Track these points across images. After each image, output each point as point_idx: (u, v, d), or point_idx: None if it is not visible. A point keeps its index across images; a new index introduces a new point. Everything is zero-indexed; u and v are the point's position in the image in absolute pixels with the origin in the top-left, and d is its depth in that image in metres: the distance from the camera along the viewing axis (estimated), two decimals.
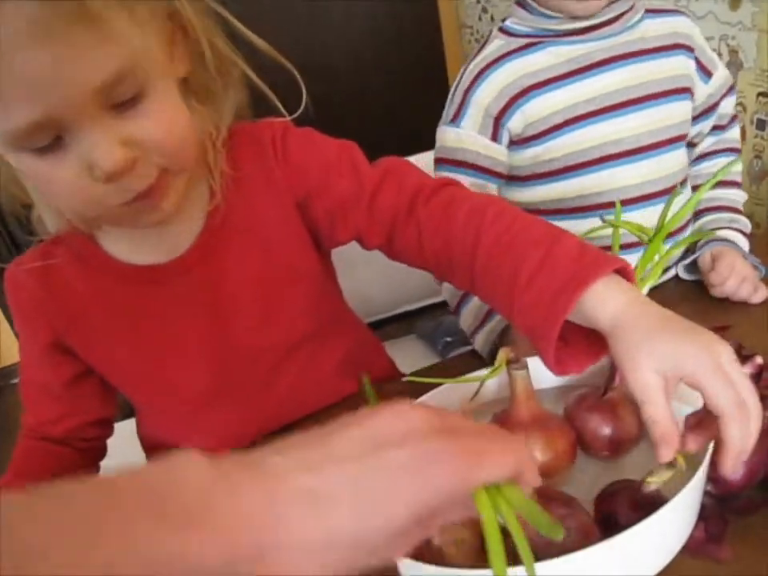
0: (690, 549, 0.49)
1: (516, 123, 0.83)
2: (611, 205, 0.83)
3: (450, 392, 0.64)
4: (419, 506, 0.33)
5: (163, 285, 0.67)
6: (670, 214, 0.81)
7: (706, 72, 0.89)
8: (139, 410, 0.80)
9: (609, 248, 0.82)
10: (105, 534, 0.29)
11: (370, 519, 0.33)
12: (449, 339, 1.07)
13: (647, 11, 0.86)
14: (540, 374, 0.57)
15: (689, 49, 0.87)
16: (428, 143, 0.94)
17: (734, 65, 1.35)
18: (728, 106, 0.93)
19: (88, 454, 0.76)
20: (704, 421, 0.48)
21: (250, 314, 0.69)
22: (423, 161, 0.84)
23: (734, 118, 0.96)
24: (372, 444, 0.34)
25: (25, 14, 0.45)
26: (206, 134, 0.64)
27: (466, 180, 0.85)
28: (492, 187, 0.87)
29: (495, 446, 0.37)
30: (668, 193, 0.85)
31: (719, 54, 1.38)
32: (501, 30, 0.87)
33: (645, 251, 0.63)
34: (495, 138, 0.85)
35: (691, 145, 0.94)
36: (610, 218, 0.69)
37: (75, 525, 0.29)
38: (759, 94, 1.33)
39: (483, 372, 0.63)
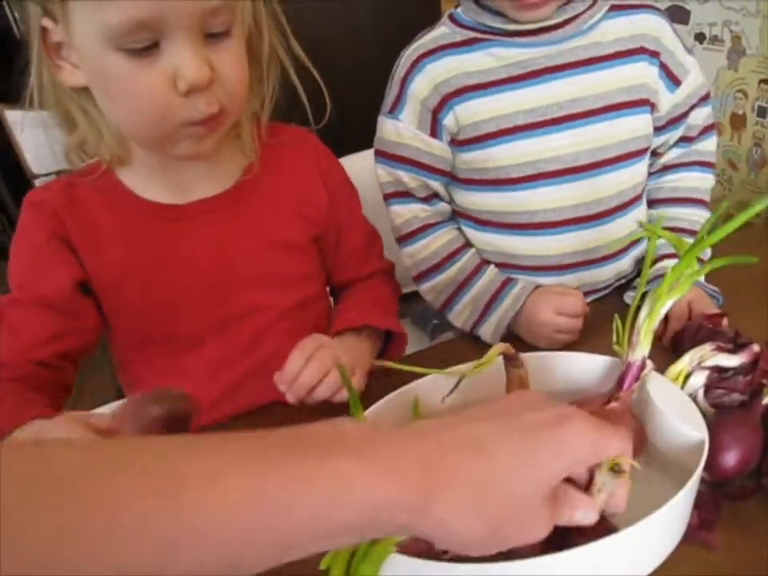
0: (683, 536, 0.50)
1: (450, 122, 0.78)
2: (544, 225, 0.79)
3: (435, 382, 0.62)
4: (562, 465, 0.38)
5: (179, 223, 0.71)
6: (619, 233, 0.81)
7: (673, 79, 0.80)
8: (123, 346, 0.79)
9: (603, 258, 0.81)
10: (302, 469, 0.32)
11: (525, 470, 0.36)
12: (436, 322, 1.07)
13: (613, 7, 0.77)
14: (542, 376, 0.57)
15: (653, 54, 0.78)
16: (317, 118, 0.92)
17: (736, 51, 1.34)
18: (699, 116, 0.84)
19: (57, 387, 0.72)
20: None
21: (251, 272, 0.74)
22: None
23: (707, 129, 0.86)
24: (518, 408, 0.39)
25: None
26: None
27: (407, 176, 0.81)
28: (434, 185, 0.82)
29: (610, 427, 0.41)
30: (609, 214, 0.79)
31: (721, 40, 1.37)
32: (450, 17, 0.80)
33: (676, 264, 0.57)
34: (434, 133, 0.79)
35: (655, 155, 0.86)
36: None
37: (286, 464, 0.32)
38: (761, 81, 1.32)
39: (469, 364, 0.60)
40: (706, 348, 0.61)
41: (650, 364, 0.55)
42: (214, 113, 0.62)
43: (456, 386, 0.58)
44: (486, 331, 0.80)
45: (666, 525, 0.43)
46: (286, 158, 0.76)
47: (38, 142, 1.01)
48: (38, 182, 1.03)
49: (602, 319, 0.66)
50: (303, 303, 0.78)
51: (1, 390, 0.65)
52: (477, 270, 0.82)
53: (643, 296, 0.58)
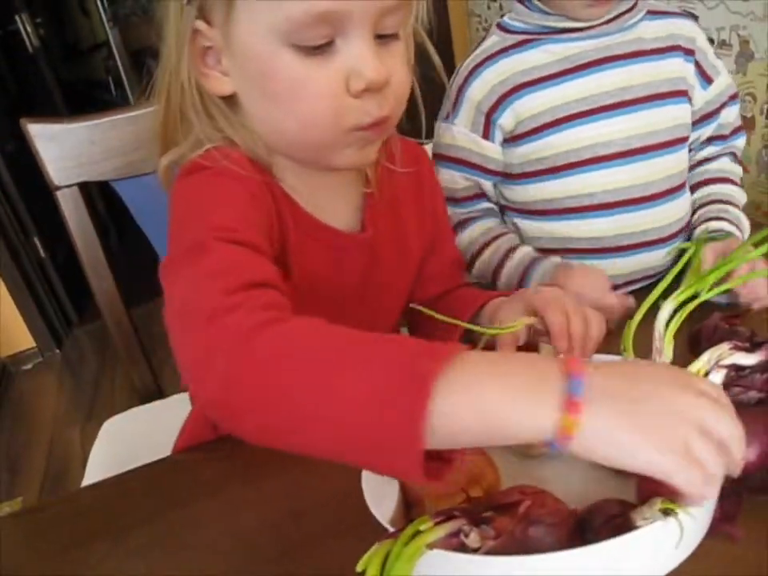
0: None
1: (507, 120, 0.83)
2: (602, 207, 0.83)
3: None
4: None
5: (335, 248, 0.69)
6: (670, 218, 0.82)
7: (705, 78, 0.88)
8: None
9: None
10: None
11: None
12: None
13: (649, 12, 0.85)
14: None
15: (688, 52, 0.86)
16: (428, 131, 0.94)
17: (745, 55, 1.37)
18: (730, 115, 0.92)
19: None
20: None
21: (386, 302, 0.75)
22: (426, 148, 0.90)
23: (739, 128, 0.93)
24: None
25: None
26: None
27: (461, 176, 0.86)
28: (486, 184, 0.88)
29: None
30: (661, 197, 0.84)
31: (729, 45, 1.39)
32: (498, 25, 0.87)
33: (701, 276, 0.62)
34: (487, 135, 0.85)
35: (690, 150, 0.93)
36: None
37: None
38: None
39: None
40: (724, 347, 0.63)
41: None
42: (384, 117, 0.59)
43: (482, 344, 0.62)
44: None
45: (692, 520, 0.45)
46: (405, 177, 0.73)
47: (59, 154, 1.05)
48: (59, 194, 1.06)
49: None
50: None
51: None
52: (509, 251, 0.85)
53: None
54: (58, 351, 2.79)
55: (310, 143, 0.61)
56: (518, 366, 0.42)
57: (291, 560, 0.57)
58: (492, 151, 0.86)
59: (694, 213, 0.90)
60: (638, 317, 0.60)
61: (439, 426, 0.39)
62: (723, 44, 1.42)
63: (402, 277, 0.76)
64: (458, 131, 0.86)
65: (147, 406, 1.19)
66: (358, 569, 0.43)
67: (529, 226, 0.89)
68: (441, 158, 0.89)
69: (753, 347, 0.64)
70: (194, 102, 0.63)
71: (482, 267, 0.87)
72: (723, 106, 0.90)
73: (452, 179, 0.88)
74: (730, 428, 0.42)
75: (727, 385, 0.61)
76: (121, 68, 4.54)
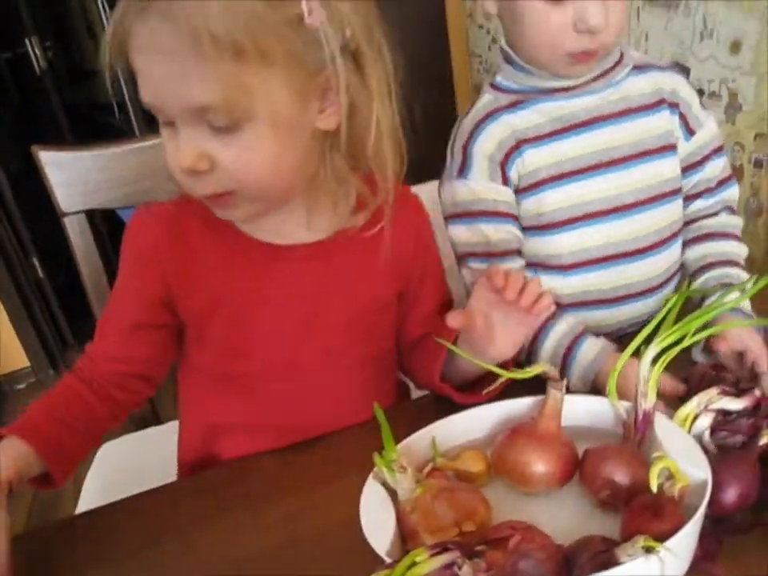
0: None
1: (514, 174, 0.84)
2: (595, 261, 0.84)
3: (451, 425, 0.67)
4: None
5: (276, 263, 0.75)
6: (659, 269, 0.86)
7: (688, 129, 0.88)
8: (190, 372, 0.83)
9: None
10: None
11: None
12: None
13: (635, 67, 0.86)
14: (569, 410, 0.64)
15: (673, 104, 0.87)
16: (429, 172, 0.93)
17: (733, 107, 1.42)
18: (716, 168, 0.91)
19: (117, 407, 0.78)
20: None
21: (335, 320, 0.78)
22: (424, 190, 0.90)
23: (727, 179, 0.93)
24: None
25: (149, 31, 0.59)
26: (338, 177, 0.71)
27: (489, 228, 0.84)
28: (515, 230, 0.86)
29: None
30: (651, 249, 0.86)
31: (719, 96, 1.44)
32: (491, 85, 0.88)
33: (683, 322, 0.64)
34: (505, 182, 0.85)
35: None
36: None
37: None
38: (757, 135, 1.40)
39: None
40: (713, 392, 0.65)
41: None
42: (217, 195, 0.66)
43: (496, 385, 0.67)
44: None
45: (673, 556, 0.47)
46: (390, 217, 0.76)
47: (68, 181, 1.07)
48: (67, 220, 1.09)
49: None
50: (380, 356, 0.82)
51: (62, 385, 0.76)
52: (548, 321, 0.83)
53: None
54: (52, 372, 2.79)
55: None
56: None
57: None
58: (512, 197, 0.86)
59: (695, 273, 0.90)
60: (621, 363, 0.63)
61: None
62: (713, 95, 1.47)
63: (368, 284, 0.78)
64: (477, 185, 0.85)
65: (142, 432, 1.20)
66: None
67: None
68: (462, 216, 0.87)
69: (739, 393, 0.67)
70: None
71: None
72: (706, 158, 0.90)
73: (481, 234, 0.86)
74: None
75: (714, 428, 0.64)
76: (125, 91, 4.60)
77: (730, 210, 0.93)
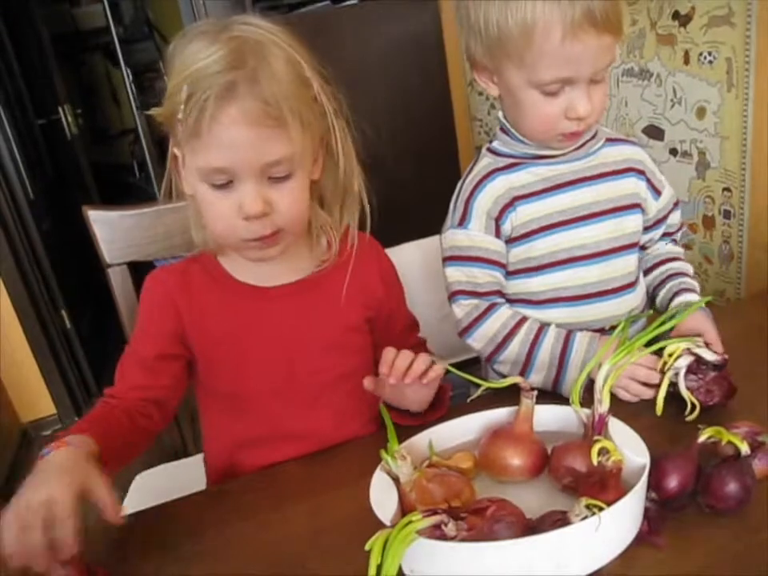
0: (636, 539, 0.67)
1: (507, 226, 0.99)
2: (572, 299, 1.00)
3: (447, 429, 0.81)
4: None
5: (264, 302, 0.92)
6: (627, 308, 1.02)
7: (656, 191, 1.05)
8: (205, 396, 1.00)
9: None
10: None
11: None
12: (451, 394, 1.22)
13: (607, 140, 1.02)
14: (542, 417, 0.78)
15: (640, 172, 1.03)
16: (436, 228, 1.07)
17: (702, 164, 1.57)
18: (675, 217, 1.10)
19: (141, 430, 0.90)
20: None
21: (318, 342, 0.94)
22: (429, 245, 1.12)
23: (680, 227, 1.12)
24: None
25: (241, 109, 0.76)
26: (319, 223, 0.94)
27: (480, 272, 1.00)
28: (500, 276, 1.01)
29: None
30: (621, 290, 1.01)
31: (690, 155, 1.60)
32: (488, 149, 1.04)
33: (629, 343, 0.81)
34: (498, 235, 0.99)
35: (643, 248, 1.10)
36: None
37: None
38: (724, 189, 1.54)
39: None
40: (700, 340, 0.85)
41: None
42: (268, 234, 0.83)
43: (478, 395, 0.83)
44: (567, 388, 0.93)
45: (617, 520, 0.61)
46: (355, 258, 0.95)
47: (112, 237, 1.20)
48: (110, 271, 1.22)
49: None
50: (357, 369, 0.95)
51: (102, 407, 0.89)
52: (537, 337, 0.97)
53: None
54: (76, 419, 2.89)
55: (225, 244, 0.89)
56: None
57: (312, 568, 0.71)
58: (502, 248, 1.00)
59: (658, 286, 1.07)
60: (583, 377, 0.78)
61: None
62: (685, 154, 1.62)
63: (342, 313, 0.95)
64: (475, 234, 0.99)
65: (176, 462, 1.31)
66: (366, 548, 0.59)
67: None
68: (458, 259, 1.01)
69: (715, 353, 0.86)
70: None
71: (518, 345, 0.98)
72: (670, 211, 1.08)
73: (471, 275, 1.00)
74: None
75: (689, 370, 0.84)
76: (146, 153, 4.83)
77: (674, 241, 1.12)
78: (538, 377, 0.96)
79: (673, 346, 0.84)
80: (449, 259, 1.02)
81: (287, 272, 0.93)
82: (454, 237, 1.01)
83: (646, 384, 0.88)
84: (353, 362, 0.97)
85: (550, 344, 0.96)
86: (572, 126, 0.91)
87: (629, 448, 0.69)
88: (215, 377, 0.94)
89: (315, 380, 0.94)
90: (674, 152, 1.64)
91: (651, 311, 0.89)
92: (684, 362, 0.84)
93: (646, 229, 1.06)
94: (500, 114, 1.01)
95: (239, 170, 0.79)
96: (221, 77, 0.75)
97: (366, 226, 0.93)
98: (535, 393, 0.77)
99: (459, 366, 1.23)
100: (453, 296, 1.02)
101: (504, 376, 0.95)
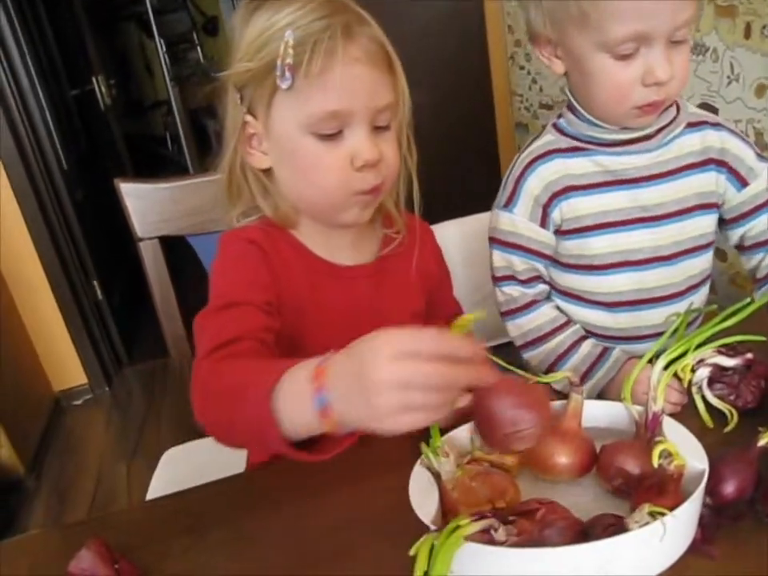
0: (689, 548, 0.63)
1: (556, 215, 0.92)
2: (628, 303, 0.94)
3: None
4: None
5: (337, 280, 0.88)
6: None
7: (741, 181, 0.92)
8: None
9: None
10: None
11: None
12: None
13: (688, 125, 0.90)
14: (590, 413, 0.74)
15: (720, 163, 0.91)
16: (472, 206, 1.07)
17: (760, 146, 1.49)
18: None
19: None
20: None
21: (385, 326, 0.88)
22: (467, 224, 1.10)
23: None
24: None
25: (361, 47, 0.75)
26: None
27: (518, 260, 0.95)
28: (539, 267, 0.96)
29: None
30: (680, 295, 0.94)
31: (746, 136, 1.52)
32: (554, 125, 0.95)
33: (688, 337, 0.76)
34: (543, 224, 0.93)
35: (741, 248, 0.98)
36: None
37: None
38: None
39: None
40: (708, 351, 0.78)
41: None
42: (379, 184, 0.80)
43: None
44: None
45: (672, 530, 0.56)
46: (414, 241, 0.91)
47: (144, 210, 1.19)
48: (142, 245, 1.21)
49: None
50: None
51: (248, 353, 0.75)
52: (576, 344, 0.93)
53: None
54: (107, 389, 2.94)
55: (324, 205, 0.83)
56: (294, 392, 0.61)
57: (343, 560, 0.69)
58: (547, 238, 0.94)
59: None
60: (636, 372, 0.73)
61: (282, 420, 0.61)
62: None
63: (408, 299, 0.92)
64: (519, 220, 0.93)
65: (205, 439, 1.27)
66: (411, 553, 0.56)
67: (565, 307, 0.99)
68: (500, 243, 0.96)
69: (733, 354, 0.79)
70: (241, 175, 0.85)
71: (546, 352, 0.94)
72: (759, 208, 0.93)
73: (510, 262, 0.96)
74: (424, 378, 0.54)
75: (712, 380, 0.78)
76: (179, 124, 4.83)
77: None
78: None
79: (684, 361, 0.76)
80: (492, 240, 0.98)
81: (355, 251, 0.90)
82: (498, 218, 0.96)
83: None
84: None
85: (581, 357, 0.92)
86: (650, 94, 0.81)
87: (685, 450, 0.65)
88: (285, 342, 0.85)
89: None
90: None
91: (714, 306, 0.83)
92: (702, 373, 0.78)
93: (732, 222, 0.95)
94: (566, 89, 0.93)
95: (355, 112, 0.76)
96: (333, 19, 0.74)
97: (415, 206, 0.90)
98: (585, 388, 0.73)
99: (497, 348, 1.20)
100: (495, 280, 0.98)
101: None
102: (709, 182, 0.92)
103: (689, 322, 0.93)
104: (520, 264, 0.95)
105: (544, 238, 0.94)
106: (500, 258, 0.97)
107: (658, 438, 0.61)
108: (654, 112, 0.85)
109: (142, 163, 4.58)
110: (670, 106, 0.89)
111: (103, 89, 3.44)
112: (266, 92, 0.78)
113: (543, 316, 0.95)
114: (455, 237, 1.27)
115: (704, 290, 0.99)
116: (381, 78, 0.77)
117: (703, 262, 0.96)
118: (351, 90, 0.75)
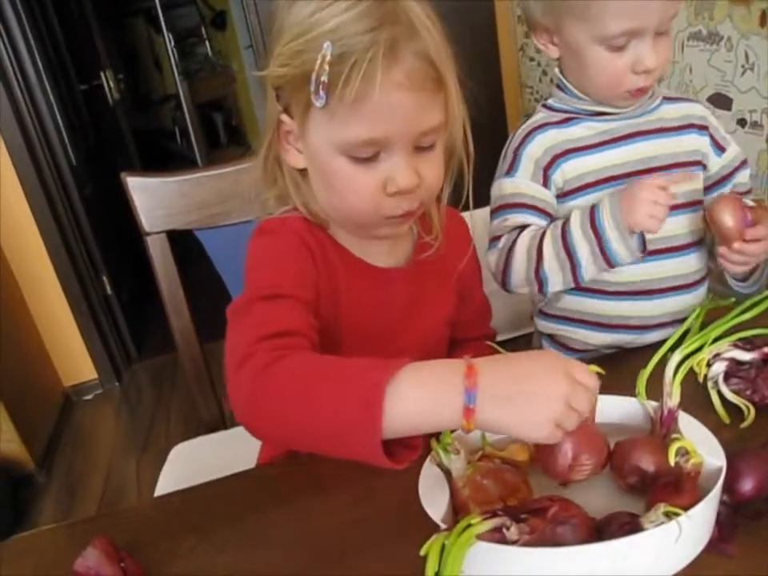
0: (706, 546, 0.61)
1: (558, 177, 0.96)
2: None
3: None
4: None
5: (373, 281, 0.84)
6: (691, 267, 0.94)
7: (719, 147, 1.00)
8: None
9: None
10: None
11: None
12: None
13: (664, 98, 0.98)
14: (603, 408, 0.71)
15: (701, 128, 0.99)
16: (482, 200, 1.04)
17: None
18: (743, 176, 1.03)
19: None
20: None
21: (417, 336, 0.86)
22: (475, 217, 1.00)
23: (749, 191, 1.04)
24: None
25: (405, 71, 0.67)
26: None
27: (524, 218, 0.97)
28: (543, 224, 0.97)
29: None
30: (683, 249, 0.97)
31: (761, 126, 1.50)
32: (544, 105, 1.02)
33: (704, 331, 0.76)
34: (545, 185, 0.97)
35: None
36: None
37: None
38: None
39: None
40: (724, 346, 0.77)
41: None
42: (413, 210, 0.75)
43: None
44: (615, 251, 0.88)
45: (688, 530, 0.55)
46: (449, 238, 0.87)
47: (151, 204, 1.18)
48: (149, 239, 1.20)
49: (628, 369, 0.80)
50: (435, 351, 0.88)
51: (308, 351, 0.69)
52: (564, 228, 0.92)
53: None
54: (117, 384, 2.94)
55: (355, 222, 0.78)
56: (437, 383, 0.59)
57: (352, 559, 0.67)
58: (550, 198, 0.98)
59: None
60: (651, 367, 0.72)
61: (392, 423, 0.57)
62: (755, 125, 1.52)
63: (442, 304, 0.89)
64: (521, 182, 0.97)
65: (213, 435, 1.28)
66: (422, 553, 0.55)
67: (571, 300, 1.03)
68: (502, 208, 0.99)
69: (750, 347, 0.78)
70: (276, 168, 0.81)
71: (551, 244, 0.93)
72: (736, 170, 1.02)
73: (515, 221, 0.97)
74: (584, 404, 0.59)
75: (728, 375, 0.77)
76: (188, 119, 4.83)
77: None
78: (586, 256, 0.91)
79: (699, 355, 0.76)
80: (495, 210, 1.00)
81: (390, 252, 0.86)
82: (500, 187, 0.99)
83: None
84: (439, 354, 0.89)
85: (577, 223, 0.91)
86: (639, 80, 0.89)
87: (701, 447, 0.63)
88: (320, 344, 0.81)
89: None
90: (742, 122, 1.55)
91: (733, 299, 0.82)
92: (719, 368, 0.78)
93: (709, 188, 1.02)
94: (556, 70, 0.99)
95: (394, 140, 0.69)
96: (378, 34, 0.65)
97: (464, 198, 0.83)
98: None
99: (506, 343, 1.19)
100: (491, 241, 0.99)
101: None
102: (692, 143, 0.98)
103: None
104: (523, 220, 0.97)
105: (546, 197, 0.97)
106: (499, 221, 0.98)
107: (674, 436, 0.59)
108: (643, 95, 0.94)
109: (150, 158, 4.58)
110: None
111: (111, 83, 3.43)
112: (303, 100, 0.71)
113: (529, 232, 0.95)
114: None
115: (699, 251, 1.00)
116: (426, 101, 0.69)
117: (696, 219, 0.99)
118: (389, 118, 0.68)
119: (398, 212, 0.74)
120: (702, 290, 1.02)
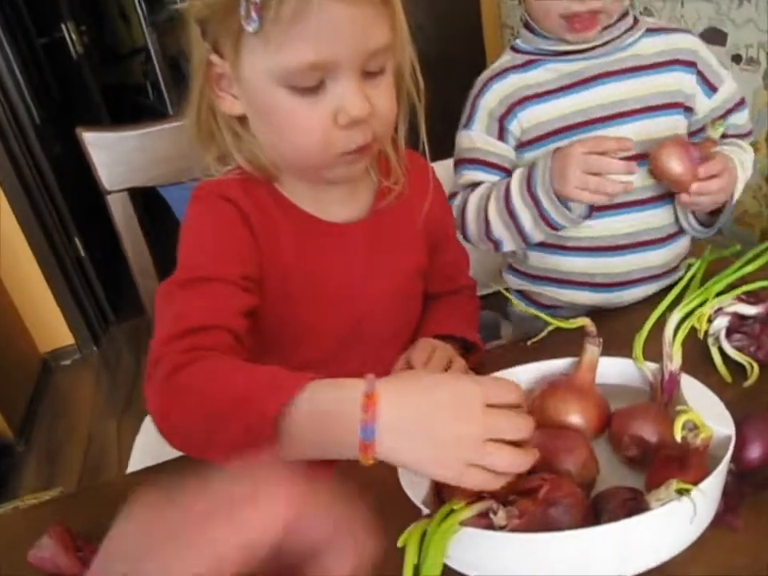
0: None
1: (515, 128, 0.91)
2: (599, 208, 0.87)
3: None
4: None
5: (329, 238, 0.77)
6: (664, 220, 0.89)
7: (709, 86, 0.91)
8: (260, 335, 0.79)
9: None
10: None
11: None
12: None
13: (648, 30, 0.90)
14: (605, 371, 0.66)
15: (689, 64, 0.90)
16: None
17: None
18: (741, 118, 0.95)
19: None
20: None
21: (380, 290, 0.80)
22: (449, 166, 0.99)
23: (748, 134, 0.96)
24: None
25: None
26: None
27: (477, 175, 0.93)
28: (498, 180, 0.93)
29: None
30: (656, 200, 0.90)
31: (757, 62, 1.42)
32: (511, 47, 0.95)
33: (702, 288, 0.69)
34: (501, 137, 0.92)
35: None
36: None
37: None
38: None
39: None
40: (727, 300, 0.71)
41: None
42: (368, 143, 0.67)
43: (541, 335, 0.74)
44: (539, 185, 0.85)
45: (696, 506, 0.50)
46: (412, 183, 0.80)
47: (111, 161, 1.11)
48: (110, 198, 1.12)
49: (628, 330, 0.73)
50: (413, 319, 0.87)
51: (219, 347, 0.63)
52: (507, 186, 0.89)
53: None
54: (95, 348, 2.88)
55: (305, 165, 0.71)
56: (333, 413, 0.53)
57: None
58: (506, 151, 0.93)
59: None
60: (647, 328, 0.66)
61: (287, 454, 0.54)
62: (751, 61, 1.44)
63: (408, 254, 0.82)
64: (476, 135, 0.93)
65: None
66: (399, 544, 0.49)
67: (546, 259, 0.98)
68: (463, 162, 0.95)
69: (755, 301, 0.72)
70: (212, 120, 0.73)
71: (494, 202, 0.91)
72: (730, 111, 0.93)
73: (472, 178, 0.94)
74: (510, 432, 0.50)
75: (730, 330, 0.71)
76: (159, 72, 4.65)
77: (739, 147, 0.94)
78: (529, 220, 0.88)
79: (702, 309, 0.70)
80: (457, 163, 0.97)
81: (347, 204, 0.78)
82: (459, 139, 0.96)
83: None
84: (413, 310, 0.87)
85: (516, 187, 0.88)
86: (572, 5, 0.82)
87: (706, 413, 0.58)
88: (272, 315, 0.77)
89: (379, 330, 0.82)
90: (737, 59, 1.47)
91: (737, 247, 0.76)
92: (720, 323, 0.72)
93: (695, 133, 0.93)
94: (523, 8, 0.93)
95: (340, 62, 0.62)
96: None
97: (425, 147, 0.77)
98: (601, 340, 0.65)
99: (484, 298, 1.14)
100: (449, 197, 0.95)
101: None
102: (673, 82, 0.90)
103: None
104: (476, 177, 0.94)
105: (502, 150, 0.93)
106: (458, 176, 0.96)
107: (679, 408, 0.53)
108: (586, 26, 0.85)
109: (121, 114, 4.43)
110: (625, 16, 0.89)
111: (74, 36, 3.27)
112: (232, 30, 0.64)
113: (480, 189, 0.93)
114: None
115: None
116: (372, 16, 0.62)
117: None
118: (333, 37, 0.61)
119: (352, 146, 0.67)
120: (681, 243, 0.95)
